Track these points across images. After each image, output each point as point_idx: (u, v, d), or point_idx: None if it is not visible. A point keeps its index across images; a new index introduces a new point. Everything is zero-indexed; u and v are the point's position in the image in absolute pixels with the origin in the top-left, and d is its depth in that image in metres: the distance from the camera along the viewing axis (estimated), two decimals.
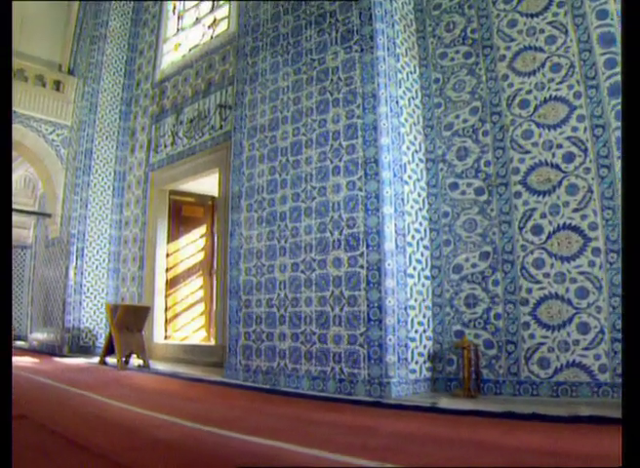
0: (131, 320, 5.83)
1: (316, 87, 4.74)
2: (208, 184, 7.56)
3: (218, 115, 6.69)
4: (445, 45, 4.75)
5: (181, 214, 7.55)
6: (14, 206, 9.25)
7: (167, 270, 7.34)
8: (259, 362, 4.70)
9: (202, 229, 7.69)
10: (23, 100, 7.98)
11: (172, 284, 7.35)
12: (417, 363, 4.19)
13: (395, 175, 4.24)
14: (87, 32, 8.62)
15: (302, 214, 4.59)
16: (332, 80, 4.64)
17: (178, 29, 8.03)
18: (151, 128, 7.84)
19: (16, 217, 11.36)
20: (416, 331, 4.22)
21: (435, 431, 2.82)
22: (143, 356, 5.85)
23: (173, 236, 7.46)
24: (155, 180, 7.54)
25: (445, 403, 3.65)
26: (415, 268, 4.31)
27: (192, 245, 7.59)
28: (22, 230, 10.76)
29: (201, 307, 7.49)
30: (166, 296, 7.27)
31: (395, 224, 4.15)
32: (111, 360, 6.11)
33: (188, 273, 7.48)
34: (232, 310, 4.99)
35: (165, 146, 7.47)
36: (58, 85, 8.38)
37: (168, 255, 7.38)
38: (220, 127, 6.60)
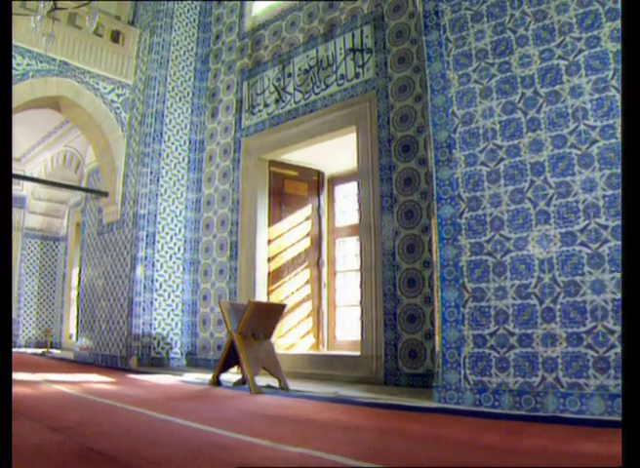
0: (259, 323, 4.30)
1: None
2: (311, 156, 6.15)
3: (350, 62, 5.28)
4: None
5: (284, 191, 6.07)
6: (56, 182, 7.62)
7: (268, 260, 5.84)
8: (503, 377, 3.28)
9: (307, 210, 6.22)
10: (77, 51, 6.41)
11: (274, 277, 5.84)
12: None
13: None
14: None
15: (574, 164, 3.22)
16: None
17: None
18: (241, 85, 6.36)
19: (46, 204, 9.66)
20: None
21: None
22: (279, 373, 4.30)
23: (274, 218, 5.97)
24: (250, 148, 6.06)
25: None
26: None
27: (296, 229, 6.11)
28: (54, 219, 9.05)
29: (308, 306, 6.00)
30: (268, 293, 5.76)
31: None
32: (225, 378, 4.57)
33: (293, 264, 5.99)
34: (448, 305, 3.55)
35: (265, 105, 6.00)
36: (117, 36, 6.83)
37: (269, 242, 5.89)
38: (356, 75, 5.20)
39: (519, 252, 3.32)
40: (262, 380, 4.35)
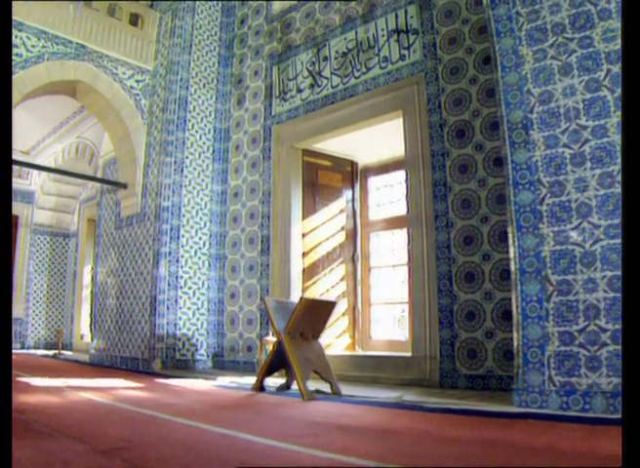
0: (307, 322, 3.97)
1: None
2: (344, 146, 5.84)
3: (394, 43, 4.98)
4: None
5: (317, 182, 5.75)
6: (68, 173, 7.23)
7: (303, 255, 5.52)
8: (594, 378, 2.99)
9: (340, 202, 5.90)
10: (94, 34, 6.05)
11: (309, 273, 5.53)
12: None
13: None
14: None
15: None
16: None
17: None
18: (270, 70, 6.04)
19: (56, 199, 9.26)
20: None
21: None
22: (330, 376, 3.96)
23: (308, 210, 5.65)
24: (282, 136, 5.73)
25: None
26: None
27: (331, 222, 5.79)
28: (64, 215, 8.66)
29: (344, 304, 5.68)
30: (303, 290, 5.44)
31: None
32: (271, 382, 4.23)
33: (327, 259, 5.67)
34: (529, 300, 3.25)
35: (298, 91, 5.68)
36: (135, 20, 6.47)
37: (303, 236, 5.57)
38: (401, 57, 4.90)
39: (610, 241, 3.03)
40: (310, 385, 4.00)
